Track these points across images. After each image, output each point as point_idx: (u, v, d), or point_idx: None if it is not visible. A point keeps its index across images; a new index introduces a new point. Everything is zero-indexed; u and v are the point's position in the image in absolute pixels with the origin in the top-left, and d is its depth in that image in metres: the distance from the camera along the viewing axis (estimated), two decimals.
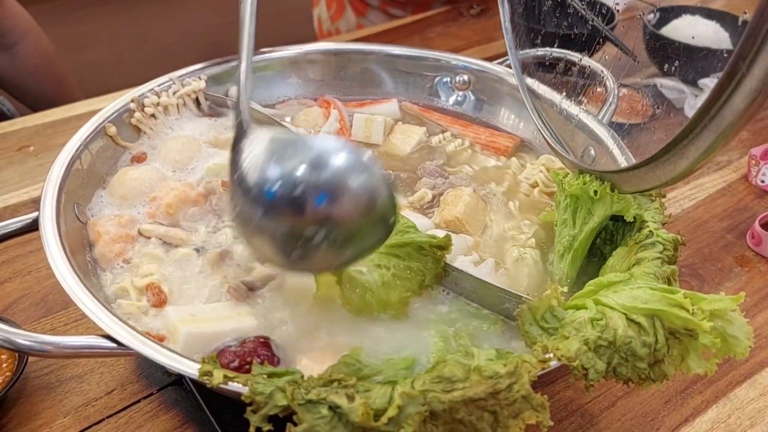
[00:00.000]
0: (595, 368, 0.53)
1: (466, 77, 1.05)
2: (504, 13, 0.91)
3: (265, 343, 0.64)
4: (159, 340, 0.65)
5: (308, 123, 1.00)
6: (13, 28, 1.42)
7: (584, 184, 0.72)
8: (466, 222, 0.80)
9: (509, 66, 0.96)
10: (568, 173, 0.78)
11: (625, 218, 0.72)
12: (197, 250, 0.77)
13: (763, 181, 1.12)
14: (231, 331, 0.65)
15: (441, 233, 0.77)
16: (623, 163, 0.79)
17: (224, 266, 0.74)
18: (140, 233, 0.78)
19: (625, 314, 0.56)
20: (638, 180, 0.64)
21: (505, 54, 0.95)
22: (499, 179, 0.92)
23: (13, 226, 0.69)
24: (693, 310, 0.54)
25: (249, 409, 0.48)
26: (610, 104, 0.92)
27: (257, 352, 0.62)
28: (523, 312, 0.59)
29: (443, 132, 1.01)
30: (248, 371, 0.55)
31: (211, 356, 0.54)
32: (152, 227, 0.78)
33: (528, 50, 0.97)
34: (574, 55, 0.96)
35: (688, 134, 0.54)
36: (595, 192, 0.71)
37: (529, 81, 0.94)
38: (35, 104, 1.31)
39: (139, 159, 0.89)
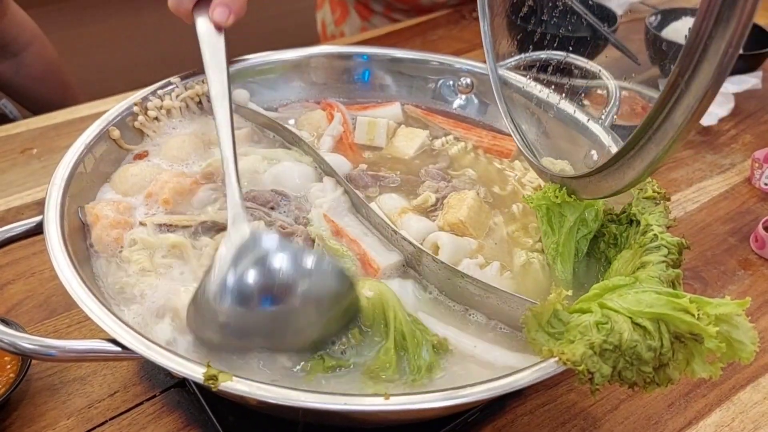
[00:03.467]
0: (600, 372, 0.54)
1: (468, 80, 1.05)
2: (484, 19, 0.92)
3: None
4: None
5: (311, 126, 1.00)
6: (19, 36, 1.43)
7: (545, 193, 0.75)
8: (469, 225, 0.80)
9: (511, 69, 0.96)
10: (533, 192, 0.81)
11: (620, 219, 0.73)
12: (194, 233, 0.76)
13: (766, 184, 1.12)
14: None
15: (444, 236, 0.77)
16: None
17: None
18: (141, 224, 0.78)
19: (630, 318, 0.56)
20: (594, 187, 0.66)
21: (508, 56, 0.95)
22: (503, 182, 0.92)
23: (17, 229, 0.69)
24: (698, 314, 0.54)
25: None
26: (612, 107, 0.92)
27: None
28: (528, 319, 0.59)
29: (446, 135, 1.01)
30: None
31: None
32: (152, 218, 0.78)
33: (527, 54, 0.97)
34: (575, 58, 0.97)
35: (634, 146, 0.56)
36: (556, 195, 0.73)
37: (531, 83, 0.94)
38: (40, 110, 1.32)
39: (141, 156, 0.90)
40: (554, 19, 1.01)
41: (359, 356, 0.64)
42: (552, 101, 0.93)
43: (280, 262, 0.61)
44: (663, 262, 0.63)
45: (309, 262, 0.62)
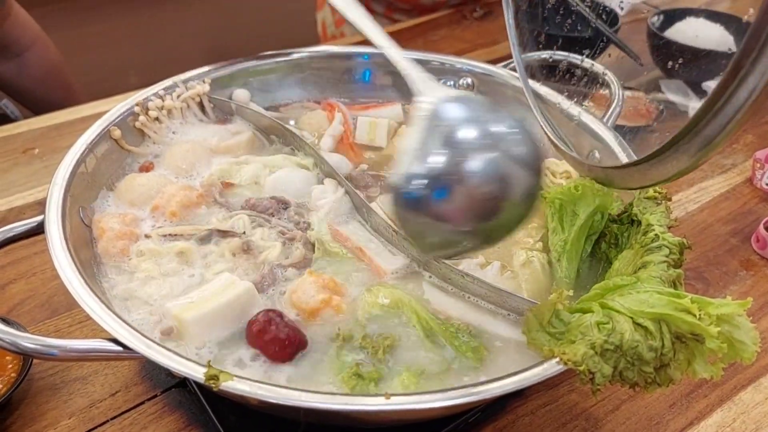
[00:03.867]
0: (601, 372, 0.53)
1: (469, 80, 1.05)
2: (507, 9, 0.92)
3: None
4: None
5: (312, 126, 1.00)
6: (22, 36, 1.43)
7: (564, 188, 0.74)
8: None
9: (513, 69, 0.96)
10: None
11: (621, 219, 0.73)
12: (199, 240, 0.77)
13: (767, 184, 1.12)
14: (232, 300, 0.67)
15: None
16: None
17: (242, 258, 0.75)
18: (147, 237, 0.78)
19: (631, 318, 0.56)
20: (641, 176, 0.64)
21: (509, 57, 0.95)
22: None
23: (19, 229, 0.70)
24: (700, 314, 0.54)
25: None
26: (615, 107, 0.92)
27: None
28: (529, 319, 0.59)
29: None
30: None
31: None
32: (158, 230, 0.78)
33: (533, 53, 0.97)
34: (578, 58, 0.97)
35: (691, 130, 0.54)
36: (577, 188, 0.72)
37: (534, 84, 0.94)
38: (41, 111, 1.32)
39: (147, 169, 0.89)
40: (557, 20, 1.01)
41: (398, 362, 0.64)
42: (554, 100, 0.93)
43: (477, 134, 0.60)
44: (664, 262, 0.62)
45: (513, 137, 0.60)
